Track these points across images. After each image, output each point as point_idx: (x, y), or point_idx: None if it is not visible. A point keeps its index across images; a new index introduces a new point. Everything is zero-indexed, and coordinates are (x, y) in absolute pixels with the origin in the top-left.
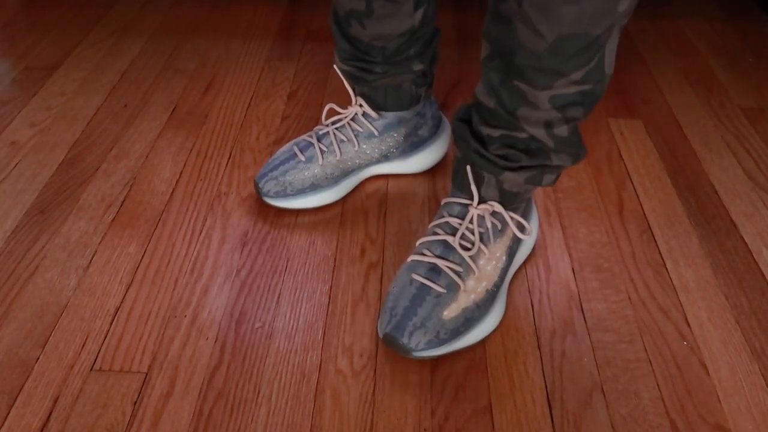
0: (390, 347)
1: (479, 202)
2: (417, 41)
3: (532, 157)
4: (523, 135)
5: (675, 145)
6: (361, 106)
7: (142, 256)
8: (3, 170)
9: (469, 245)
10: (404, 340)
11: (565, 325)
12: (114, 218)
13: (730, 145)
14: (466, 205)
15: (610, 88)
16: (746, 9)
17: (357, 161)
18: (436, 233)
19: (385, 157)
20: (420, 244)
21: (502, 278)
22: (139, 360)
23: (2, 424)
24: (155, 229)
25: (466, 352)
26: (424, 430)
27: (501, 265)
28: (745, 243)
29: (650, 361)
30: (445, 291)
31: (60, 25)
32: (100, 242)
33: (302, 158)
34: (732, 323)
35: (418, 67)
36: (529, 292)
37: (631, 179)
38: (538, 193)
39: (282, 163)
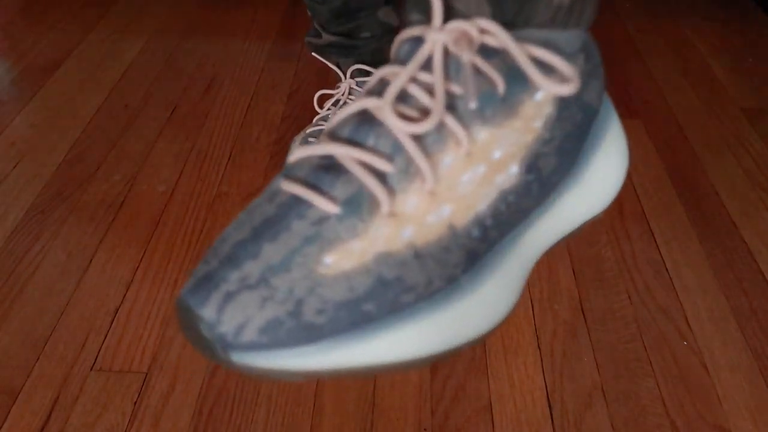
0: (183, 329)
1: (446, 20)
2: None
3: None
4: None
5: (675, 145)
6: (353, 78)
7: (142, 256)
8: (3, 170)
9: (414, 113)
10: (207, 313)
11: (565, 325)
12: (114, 218)
13: (730, 145)
14: (418, 39)
15: (610, 89)
16: (746, 9)
17: None
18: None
19: None
20: (312, 127)
21: (500, 223)
22: (139, 360)
23: (2, 424)
24: (155, 229)
25: (466, 352)
26: (424, 430)
27: (501, 181)
28: (745, 243)
29: (650, 361)
30: (340, 211)
31: (60, 25)
32: (100, 242)
33: None
34: (732, 323)
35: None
36: (529, 292)
37: (631, 179)
38: None
39: None
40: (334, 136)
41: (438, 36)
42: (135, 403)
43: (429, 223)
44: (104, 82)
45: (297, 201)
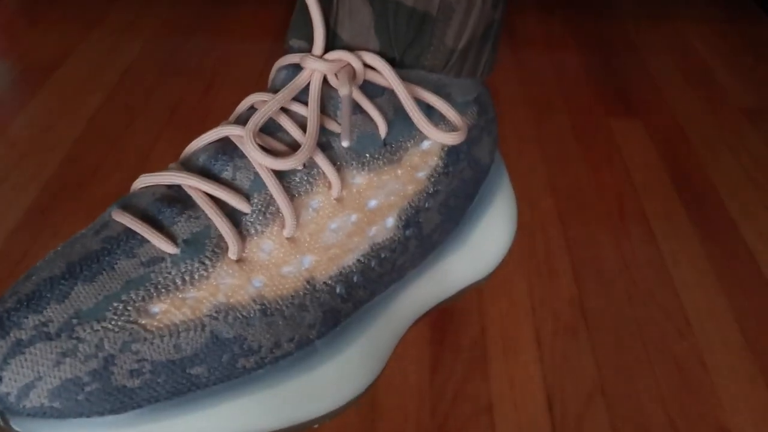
0: None
1: (327, 48)
2: None
3: None
4: None
5: (675, 145)
6: None
7: None
8: (3, 170)
9: (281, 147)
10: None
11: (565, 325)
12: None
13: (730, 145)
14: (296, 66)
15: (610, 88)
16: (746, 9)
17: None
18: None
19: None
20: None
21: (370, 281)
22: None
23: None
24: None
25: (466, 352)
26: (424, 430)
27: (374, 234)
28: (745, 243)
29: (650, 361)
30: (178, 252)
31: (60, 25)
32: None
33: None
34: (732, 323)
35: None
36: (530, 292)
37: (631, 179)
38: (538, 192)
39: None
40: (187, 165)
41: (317, 65)
42: None
43: (284, 274)
44: (104, 82)
45: (128, 235)
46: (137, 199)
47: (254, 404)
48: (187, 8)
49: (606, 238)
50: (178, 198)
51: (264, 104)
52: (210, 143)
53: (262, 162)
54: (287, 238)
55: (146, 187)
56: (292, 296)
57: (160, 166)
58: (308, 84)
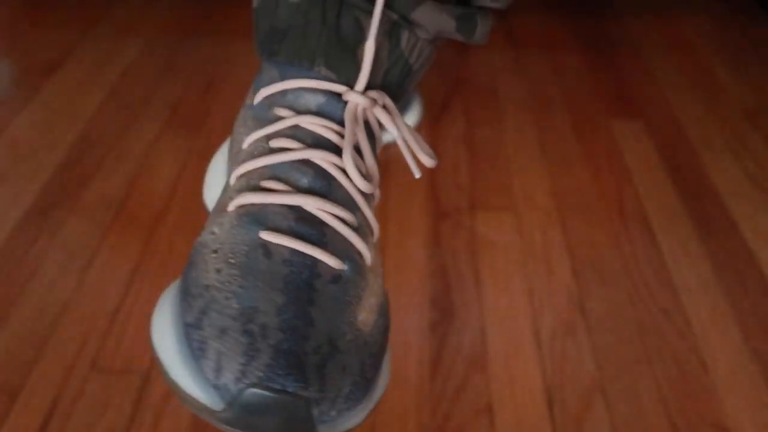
0: (256, 422)
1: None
2: None
3: None
4: None
5: (675, 145)
6: None
7: (142, 256)
8: (3, 170)
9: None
10: (311, 391)
11: (565, 325)
12: (114, 218)
13: (730, 145)
14: (335, 95)
15: (610, 88)
16: (747, 9)
17: None
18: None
19: None
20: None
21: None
22: (139, 360)
23: (2, 424)
24: (155, 229)
25: (467, 352)
26: (424, 430)
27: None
28: (745, 243)
29: (650, 361)
30: (346, 267)
31: (60, 25)
32: (100, 242)
33: None
34: (732, 323)
35: None
36: (529, 292)
37: (631, 179)
38: (537, 192)
39: None
40: (287, 182)
41: (360, 100)
42: (135, 403)
43: (382, 273)
44: (104, 82)
45: (300, 257)
46: (274, 221)
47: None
48: (187, 8)
49: (606, 238)
50: (309, 218)
51: (321, 128)
52: (296, 161)
53: (361, 186)
54: (377, 246)
55: (262, 205)
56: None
57: (161, 166)
58: (363, 119)
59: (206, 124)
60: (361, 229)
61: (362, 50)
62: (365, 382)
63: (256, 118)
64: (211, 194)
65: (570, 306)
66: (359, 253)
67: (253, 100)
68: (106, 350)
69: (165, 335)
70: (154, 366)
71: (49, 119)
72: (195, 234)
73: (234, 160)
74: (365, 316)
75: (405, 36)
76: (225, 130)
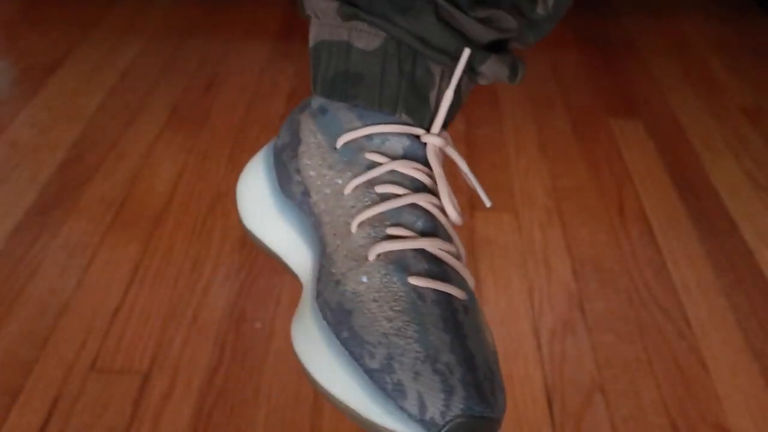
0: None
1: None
2: None
3: (514, 20)
4: None
5: (675, 145)
6: None
7: (142, 256)
8: (3, 170)
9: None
10: (497, 412)
11: (565, 325)
12: (114, 218)
13: (730, 145)
14: (414, 137)
15: (610, 88)
16: (746, 9)
17: None
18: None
19: None
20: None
21: None
22: (139, 360)
23: (2, 424)
24: (155, 229)
25: None
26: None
27: None
28: (745, 243)
29: (650, 361)
30: (466, 297)
31: (60, 25)
32: (100, 242)
33: None
34: (732, 323)
35: None
36: (529, 292)
37: (631, 179)
38: (537, 192)
39: None
40: (406, 226)
41: (436, 141)
42: (135, 403)
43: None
44: (104, 82)
45: (440, 295)
46: (414, 266)
47: None
48: (187, 8)
49: (606, 238)
50: (430, 258)
51: (414, 170)
52: (406, 205)
53: (456, 221)
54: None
55: (399, 251)
56: None
57: (161, 166)
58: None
59: (206, 124)
60: (460, 257)
61: (434, 95)
62: (504, 394)
63: (348, 162)
64: (252, 218)
65: (570, 306)
66: (465, 280)
67: (316, 137)
68: (106, 350)
69: (341, 380)
70: (153, 366)
71: (49, 119)
72: (195, 234)
73: (335, 205)
74: (489, 336)
75: (465, 81)
76: (225, 130)
